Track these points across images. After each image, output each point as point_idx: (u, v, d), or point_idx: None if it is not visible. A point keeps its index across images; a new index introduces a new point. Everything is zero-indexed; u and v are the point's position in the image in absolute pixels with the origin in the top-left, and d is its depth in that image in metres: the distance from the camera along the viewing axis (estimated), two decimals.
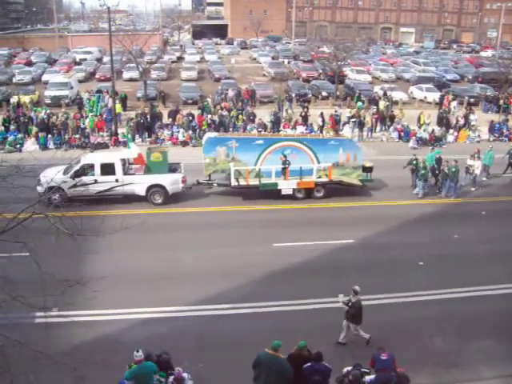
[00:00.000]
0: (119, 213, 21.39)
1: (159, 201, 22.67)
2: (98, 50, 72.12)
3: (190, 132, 34.00)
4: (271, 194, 23.53)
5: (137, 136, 33.70)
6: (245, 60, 77.45)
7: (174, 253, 18.35)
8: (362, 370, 10.97)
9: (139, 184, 22.32)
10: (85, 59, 66.26)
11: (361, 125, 35.13)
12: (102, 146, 32.20)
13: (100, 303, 14.52)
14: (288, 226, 21.02)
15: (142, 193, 22.45)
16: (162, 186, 22.57)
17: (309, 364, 10.48)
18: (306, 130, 35.45)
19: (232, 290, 15.93)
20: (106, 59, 63.17)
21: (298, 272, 17.07)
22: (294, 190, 23.60)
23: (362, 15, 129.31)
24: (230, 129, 34.51)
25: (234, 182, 23.40)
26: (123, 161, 22.98)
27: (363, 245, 19.30)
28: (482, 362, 12.96)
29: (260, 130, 34.11)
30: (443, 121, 37.00)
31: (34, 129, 32.93)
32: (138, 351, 10.40)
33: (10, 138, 31.74)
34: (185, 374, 10.69)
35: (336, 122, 35.61)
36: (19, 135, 32.40)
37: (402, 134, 35.18)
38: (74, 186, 21.28)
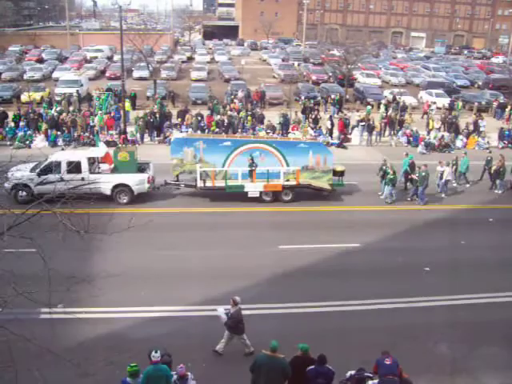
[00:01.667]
0: (127, 211, 21.45)
1: (125, 200, 22.61)
2: (108, 48, 72.46)
3: (199, 132, 34.05)
4: (238, 196, 23.31)
5: (146, 135, 33.80)
6: (255, 61, 77.52)
7: (180, 252, 18.38)
8: (366, 374, 10.93)
9: (105, 183, 22.29)
10: (95, 57, 66.64)
11: (370, 129, 35.05)
12: (111, 144, 32.30)
13: (105, 301, 14.58)
14: (294, 229, 21.00)
15: (108, 192, 22.37)
16: (127, 186, 22.53)
17: (312, 367, 10.45)
18: (315, 132, 35.47)
19: (236, 291, 15.85)
20: (116, 58, 63.46)
21: (303, 274, 17.05)
22: (261, 192, 23.38)
23: (373, 19, 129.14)
24: (239, 130, 34.54)
25: (200, 184, 23.29)
26: (91, 159, 23.03)
27: (369, 249, 19.25)
28: (487, 370, 12.88)
29: (269, 131, 34.12)
30: (452, 126, 36.86)
31: (44, 125, 33.10)
32: (156, 352, 10.32)
33: (20, 134, 31.92)
34: (188, 374, 10.67)
35: (345, 126, 35.56)
36: (29, 132, 32.57)
37: (411, 138, 35.07)
38: (41, 183, 21.25)
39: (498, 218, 22.82)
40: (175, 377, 10.58)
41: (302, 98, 43.61)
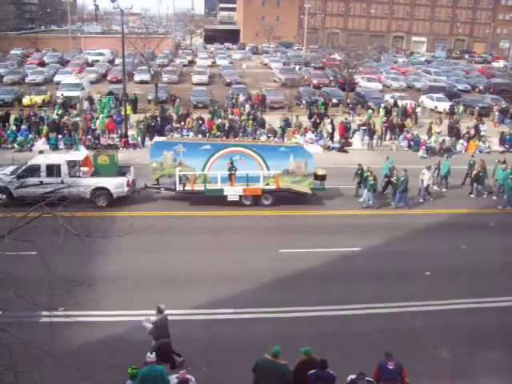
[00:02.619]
0: (128, 214, 21.49)
1: (104, 204, 22.53)
2: (110, 51, 72.61)
3: (200, 136, 34.06)
4: (218, 200, 23.20)
5: (147, 138, 33.82)
6: (256, 65, 77.65)
7: (181, 256, 18.38)
8: (366, 378, 10.90)
9: (84, 186, 22.25)
10: (97, 61, 66.79)
11: (371, 133, 35.06)
12: (112, 147, 32.35)
13: (106, 304, 14.57)
14: (295, 233, 20.99)
15: (88, 195, 22.28)
16: (106, 189, 22.47)
17: (313, 371, 10.42)
18: (316, 136, 35.50)
19: (238, 294, 15.92)
20: (118, 61, 63.66)
21: (304, 278, 17.03)
22: (240, 196, 23.24)
23: (375, 23, 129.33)
24: (240, 134, 34.57)
25: (179, 187, 23.21)
26: (71, 163, 23.04)
27: (371, 253, 19.23)
28: (487, 375, 12.85)
29: (270, 135, 34.16)
30: (453, 131, 36.88)
31: (45, 129, 33.14)
32: (151, 353, 10.44)
33: (19, 139, 31.90)
34: (189, 377, 10.67)
35: (346, 130, 35.58)
36: (30, 135, 32.60)
37: (412, 143, 35.08)
38: (20, 186, 21.23)
39: (498, 221, 22.83)
40: (176, 381, 10.58)
41: (304, 102, 43.70)
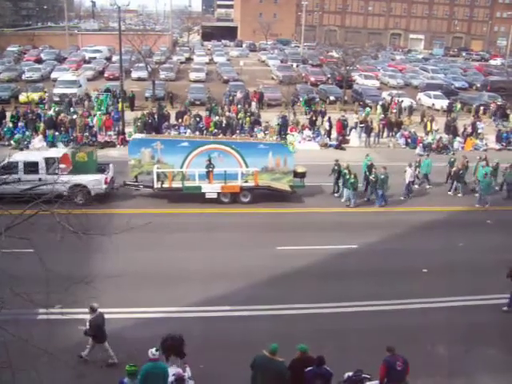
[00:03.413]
0: (126, 212, 21.48)
1: (81, 201, 22.31)
2: (107, 48, 72.49)
3: (197, 133, 34.04)
4: (197, 197, 23.15)
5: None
6: (253, 63, 77.58)
7: (178, 254, 18.38)
8: (363, 375, 10.93)
9: (62, 184, 22.14)
10: (94, 58, 66.65)
11: (368, 130, 35.08)
12: (109, 144, 32.34)
13: (103, 302, 14.52)
14: (292, 230, 21.02)
15: (65, 193, 22.19)
16: (84, 187, 22.33)
17: (311, 368, 10.45)
18: (313, 134, 35.51)
19: (235, 292, 15.94)
20: (115, 58, 63.52)
21: (301, 276, 17.06)
22: (219, 193, 23.21)
23: (372, 21, 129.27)
24: (237, 131, 34.55)
25: (156, 185, 23.18)
26: (50, 160, 22.97)
27: (367, 250, 19.25)
28: (484, 372, 12.89)
29: (267, 132, 34.15)
30: (450, 128, 36.92)
31: (42, 126, 33.06)
32: (157, 350, 10.46)
33: (16, 136, 31.82)
34: (186, 374, 10.68)
35: (343, 127, 35.59)
36: (27, 132, 32.53)
37: (409, 140, 35.13)
38: None
39: (496, 219, 22.86)
40: (173, 378, 10.59)
41: (300, 99, 43.70)
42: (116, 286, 15.38)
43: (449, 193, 25.91)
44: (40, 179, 20.72)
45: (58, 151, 24.05)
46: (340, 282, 16.85)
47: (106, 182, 22.84)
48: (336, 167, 24.48)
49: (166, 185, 23.26)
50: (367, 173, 24.56)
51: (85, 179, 22.27)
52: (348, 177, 23.19)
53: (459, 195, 25.66)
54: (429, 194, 26.02)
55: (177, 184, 23.22)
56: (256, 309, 15.19)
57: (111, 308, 14.75)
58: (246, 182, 23.40)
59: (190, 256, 18.20)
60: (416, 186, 26.15)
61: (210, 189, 23.10)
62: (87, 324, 12.08)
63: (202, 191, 23.09)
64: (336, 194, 24.79)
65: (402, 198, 24.97)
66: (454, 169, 25.85)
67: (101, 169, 23.54)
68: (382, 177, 23.31)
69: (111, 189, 23.52)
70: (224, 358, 12.73)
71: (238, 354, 12.61)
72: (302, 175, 24.17)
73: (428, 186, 26.57)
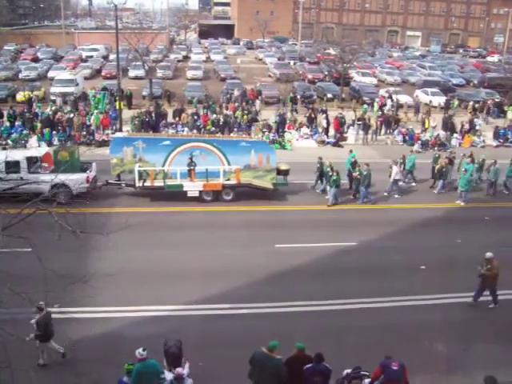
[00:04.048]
0: (123, 210, 21.46)
1: (63, 200, 22.25)
2: (104, 47, 72.28)
3: (195, 131, 34.01)
4: (179, 196, 23.11)
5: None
6: (251, 60, 77.50)
7: (176, 252, 18.38)
8: (362, 372, 10.95)
9: (44, 183, 22.10)
10: (91, 56, 66.43)
11: (366, 127, 35.09)
12: (107, 143, 32.24)
13: (102, 301, 14.57)
14: (290, 228, 21.01)
15: (47, 192, 22.12)
16: (65, 186, 22.18)
17: (309, 365, 10.48)
18: (311, 131, 35.50)
19: (233, 289, 15.95)
20: (112, 57, 63.37)
21: (299, 273, 17.07)
22: (200, 192, 23.16)
23: (369, 18, 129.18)
24: (235, 129, 34.53)
25: (138, 183, 23.15)
26: (33, 159, 22.89)
27: (365, 248, 19.28)
28: (482, 368, 12.88)
29: (264, 130, 34.13)
30: (448, 125, 36.93)
31: (39, 125, 32.98)
32: (144, 350, 10.43)
33: (14, 135, 31.75)
34: (185, 372, 10.69)
35: (340, 124, 35.59)
36: (25, 131, 32.46)
37: (407, 137, 35.15)
38: None
39: (493, 216, 22.87)
40: (171, 376, 10.60)
41: (298, 96, 43.68)
42: (115, 284, 15.39)
43: (434, 191, 25.71)
44: (21, 178, 20.61)
45: (40, 150, 23.95)
46: (338, 280, 16.86)
47: (87, 181, 22.76)
48: (319, 165, 24.36)
49: (147, 183, 23.24)
50: (351, 169, 24.50)
51: (66, 178, 22.18)
52: (330, 174, 23.11)
53: (435, 192, 25.58)
54: (417, 191, 25.96)
55: (159, 182, 23.19)
56: (255, 307, 15.21)
57: (110, 307, 14.80)
58: (228, 179, 23.33)
59: (188, 254, 18.21)
60: (401, 183, 26.04)
61: (192, 187, 23.05)
62: (34, 326, 11.89)
63: (184, 189, 23.06)
64: (318, 191, 24.59)
65: (385, 194, 24.90)
66: (438, 166, 25.78)
67: (83, 168, 23.44)
68: (365, 173, 23.24)
69: (93, 188, 23.42)
70: (222, 355, 12.73)
71: (237, 351, 12.61)
72: (286, 173, 24.13)
73: (413, 184, 26.60)
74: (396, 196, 24.85)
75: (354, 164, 24.51)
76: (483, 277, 15.19)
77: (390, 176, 24.64)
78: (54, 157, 22.94)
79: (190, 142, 23.51)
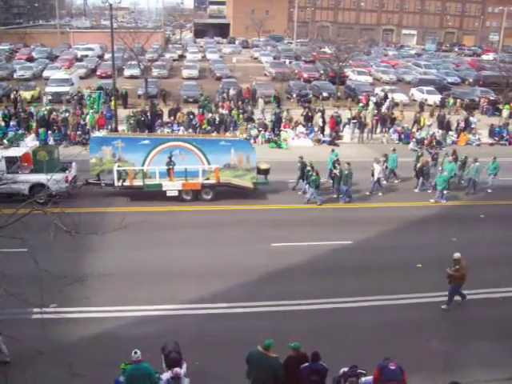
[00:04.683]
0: (119, 210, 21.40)
1: (42, 200, 22.22)
2: (99, 46, 72.08)
3: (191, 130, 33.98)
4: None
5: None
6: (246, 59, 77.48)
7: (173, 251, 18.34)
8: (359, 371, 10.95)
9: (22, 183, 21.70)
10: (86, 56, 66.26)
11: (361, 126, 35.12)
12: None
13: (98, 301, 14.52)
14: (286, 226, 21.01)
15: (26, 191, 21.80)
16: (44, 185, 21.74)
17: (306, 364, 10.47)
18: (307, 130, 35.50)
19: (229, 289, 15.94)
20: (107, 56, 63.21)
21: (295, 272, 17.06)
22: (180, 191, 23.08)
23: (364, 16, 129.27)
24: (231, 128, 34.51)
25: (117, 183, 23.07)
26: (12, 159, 22.79)
27: (361, 246, 19.29)
28: (479, 366, 12.94)
29: (260, 129, 34.12)
30: (443, 123, 36.99)
31: (34, 124, 32.89)
32: (136, 352, 10.39)
33: (10, 134, 31.66)
34: (182, 372, 10.68)
35: (336, 123, 35.61)
36: (20, 131, 32.36)
37: (402, 135, 35.21)
38: None
39: (489, 213, 22.92)
40: (168, 375, 10.58)
41: (294, 95, 43.65)
42: (111, 284, 15.35)
43: (415, 190, 25.55)
44: (0, 178, 20.68)
45: (19, 150, 23.87)
46: (335, 278, 16.87)
47: (67, 181, 22.64)
48: (300, 164, 24.28)
49: (127, 183, 23.18)
50: (332, 168, 24.47)
51: (45, 178, 22.06)
52: (311, 173, 23.01)
53: (415, 190, 25.49)
54: (399, 190, 25.91)
55: (138, 182, 23.10)
56: (252, 305, 15.19)
57: (107, 306, 14.77)
58: (208, 179, 23.26)
59: (184, 254, 18.18)
60: (385, 182, 26.02)
61: (171, 186, 22.98)
62: None
63: (163, 189, 22.98)
64: (300, 192, 24.35)
65: (368, 193, 24.85)
66: (419, 165, 25.64)
67: (63, 167, 23.28)
68: (346, 172, 23.19)
69: (72, 188, 23.25)
70: (219, 355, 12.72)
71: (234, 351, 12.61)
72: (266, 172, 24.10)
73: (396, 181, 26.59)
74: (380, 194, 24.88)
75: (335, 163, 24.31)
76: (451, 277, 15.19)
77: (372, 175, 24.67)
78: (33, 156, 22.83)
79: (170, 142, 23.46)
